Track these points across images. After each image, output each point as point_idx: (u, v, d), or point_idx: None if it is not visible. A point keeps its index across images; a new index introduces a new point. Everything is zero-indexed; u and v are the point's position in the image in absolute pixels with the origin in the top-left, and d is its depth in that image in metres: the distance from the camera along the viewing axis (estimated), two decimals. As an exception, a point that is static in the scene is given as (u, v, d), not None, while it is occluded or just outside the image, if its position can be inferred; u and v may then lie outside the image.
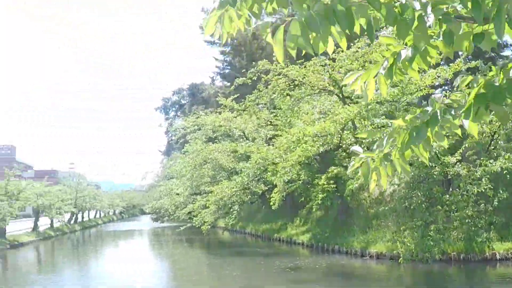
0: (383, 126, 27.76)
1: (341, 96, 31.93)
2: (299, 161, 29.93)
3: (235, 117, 45.12)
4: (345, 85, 30.87)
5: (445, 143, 3.74)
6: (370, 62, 26.29)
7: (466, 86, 3.70)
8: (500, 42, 33.04)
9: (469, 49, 3.52)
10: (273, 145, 34.92)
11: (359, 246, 28.16)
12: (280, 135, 33.38)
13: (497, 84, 3.32)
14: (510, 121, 20.43)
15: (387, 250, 25.86)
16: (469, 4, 3.11)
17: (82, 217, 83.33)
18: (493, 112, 3.41)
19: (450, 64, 28.25)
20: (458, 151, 24.33)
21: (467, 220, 23.12)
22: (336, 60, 30.24)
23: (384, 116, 29.50)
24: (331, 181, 29.35)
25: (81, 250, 46.70)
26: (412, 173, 24.24)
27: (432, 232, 23.25)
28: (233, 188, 34.55)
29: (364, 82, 3.81)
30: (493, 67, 3.55)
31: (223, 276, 25.82)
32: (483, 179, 22.81)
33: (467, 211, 22.88)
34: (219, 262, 31.81)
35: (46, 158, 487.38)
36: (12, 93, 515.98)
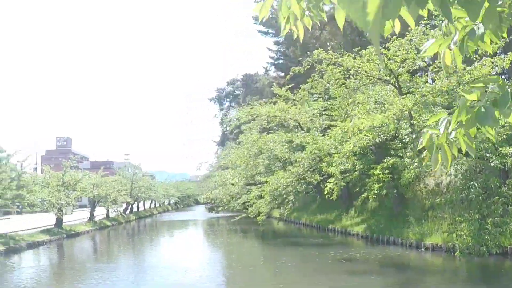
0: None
1: (397, 86, 31.48)
2: (354, 151, 29.68)
3: (290, 107, 44.94)
4: (401, 74, 30.68)
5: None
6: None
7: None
8: None
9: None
10: (328, 135, 34.71)
11: (415, 237, 27.75)
12: (336, 126, 33.13)
13: None
14: None
15: (443, 242, 25.43)
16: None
17: (138, 207, 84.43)
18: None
19: (508, 53, 27.51)
20: (516, 142, 23.75)
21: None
22: (391, 49, 29.79)
23: (440, 107, 28.93)
24: (387, 171, 28.95)
25: (137, 240, 47.32)
26: (468, 164, 23.78)
27: (488, 225, 22.79)
28: (288, 178, 34.39)
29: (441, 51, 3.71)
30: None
31: (278, 266, 25.76)
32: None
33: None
34: (274, 252, 31.79)
35: (101, 149, 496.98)
36: (68, 87, 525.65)
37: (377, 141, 29.53)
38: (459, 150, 3.82)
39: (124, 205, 70.58)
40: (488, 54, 24.49)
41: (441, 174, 29.67)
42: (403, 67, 30.37)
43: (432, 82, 29.47)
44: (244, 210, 44.70)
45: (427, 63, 32.32)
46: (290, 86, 45.94)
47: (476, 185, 23.76)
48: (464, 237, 23.01)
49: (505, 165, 23.18)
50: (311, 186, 40.65)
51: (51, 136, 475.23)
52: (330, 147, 32.27)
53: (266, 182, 36.69)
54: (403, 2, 2.67)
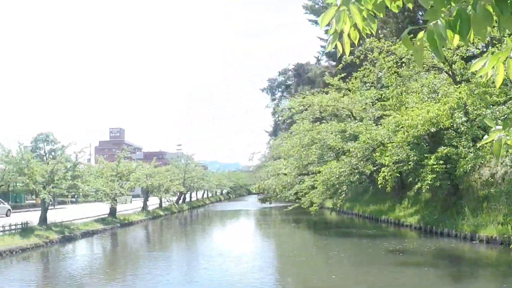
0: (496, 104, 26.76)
1: (451, 74, 30.88)
2: (408, 141, 29.22)
3: (342, 97, 44.57)
4: (455, 62, 30.06)
5: None
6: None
7: None
8: None
9: None
10: (381, 124, 34.29)
11: (469, 229, 27.16)
12: (389, 115, 32.70)
13: None
14: None
15: (498, 234, 24.81)
16: None
17: (190, 197, 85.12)
18: None
19: None
20: None
21: None
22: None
23: (495, 96, 28.25)
24: (441, 162, 28.38)
25: (189, 229, 47.70)
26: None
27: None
28: (341, 168, 34.08)
29: (493, 67, 3.54)
30: None
31: (331, 257, 25.66)
32: None
33: None
34: (327, 243, 31.67)
35: (153, 140, 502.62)
36: (121, 78, 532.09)
37: (431, 130, 28.99)
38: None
39: (177, 195, 71.26)
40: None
41: (496, 164, 29.00)
42: (457, 54, 29.80)
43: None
44: (296, 200, 44.57)
45: (481, 50, 31.67)
46: (342, 75, 45.54)
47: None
48: (520, 229, 22.48)
49: None
50: (364, 176, 40.27)
51: (105, 127, 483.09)
52: (383, 136, 31.85)
53: (319, 172, 36.45)
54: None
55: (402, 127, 28.78)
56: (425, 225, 32.55)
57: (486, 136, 3.86)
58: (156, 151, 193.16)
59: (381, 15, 3.59)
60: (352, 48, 3.98)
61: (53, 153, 79.63)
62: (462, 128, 27.66)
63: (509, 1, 3.04)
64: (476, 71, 3.65)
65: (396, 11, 3.62)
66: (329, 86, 47.72)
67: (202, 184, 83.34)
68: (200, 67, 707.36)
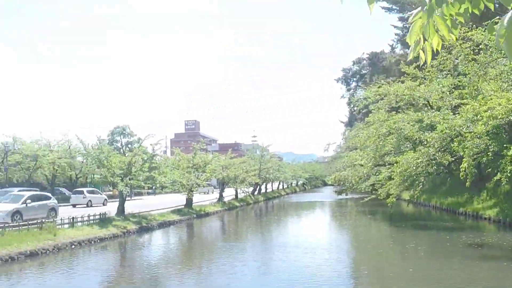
0: None
1: (533, 61, 29.69)
2: (486, 130, 28.24)
3: (418, 86, 43.55)
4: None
5: None
6: None
7: None
8: None
9: None
10: (459, 113, 33.32)
11: (553, 223, 26.17)
12: (466, 104, 31.74)
13: None
14: None
15: None
16: None
17: (266, 188, 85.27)
18: None
19: None
20: None
21: None
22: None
23: None
24: (522, 152, 27.26)
25: (265, 220, 47.78)
26: None
27: None
28: (418, 159, 33.30)
29: None
30: None
31: (407, 250, 25.28)
32: None
33: None
34: (403, 235, 31.15)
35: (228, 132, 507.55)
36: (194, 72, 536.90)
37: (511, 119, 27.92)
38: None
39: (253, 186, 71.55)
40: None
41: None
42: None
43: None
44: (373, 192, 44.04)
45: None
46: (417, 63, 44.54)
47: None
48: None
49: None
50: (441, 167, 39.24)
51: (180, 119, 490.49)
52: (461, 126, 30.91)
53: (396, 162, 35.75)
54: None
55: (481, 116, 27.85)
56: (504, 218, 31.57)
57: None
58: (231, 143, 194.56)
59: (462, 21, 3.51)
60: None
61: (129, 146, 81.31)
62: None
63: None
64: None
65: (478, 14, 3.48)
66: (405, 75, 46.75)
67: (278, 175, 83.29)
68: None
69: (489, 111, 26.79)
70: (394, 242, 28.97)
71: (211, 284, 18.26)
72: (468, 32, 31.53)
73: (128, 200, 41.64)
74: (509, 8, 3.05)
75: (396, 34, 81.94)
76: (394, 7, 76.00)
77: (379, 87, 46.69)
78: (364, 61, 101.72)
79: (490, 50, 31.12)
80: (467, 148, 28.68)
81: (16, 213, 30.39)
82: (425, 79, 44.17)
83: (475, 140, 28.64)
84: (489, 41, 30.30)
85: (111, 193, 69.87)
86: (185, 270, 21.20)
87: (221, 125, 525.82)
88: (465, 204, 39.99)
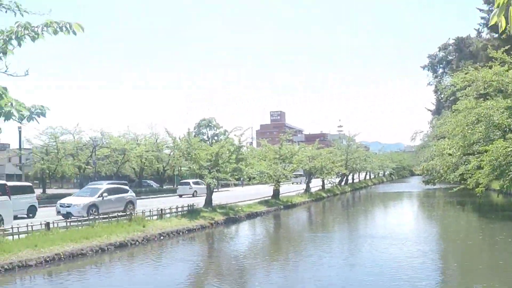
0: None
1: None
2: None
3: (507, 71, 42.12)
4: None
5: None
6: None
7: None
8: None
9: None
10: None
11: None
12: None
13: None
14: None
15: None
16: None
17: (353, 179, 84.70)
18: None
19: None
20: None
21: None
22: None
23: None
24: None
25: (352, 211, 47.48)
26: None
27: None
28: (508, 147, 32.27)
29: None
30: None
31: (497, 242, 24.53)
32: None
33: None
34: (493, 226, 30.41)
35: (313, 122, 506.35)
36: (281, 65, 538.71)
37: None
38: None
39: (339, 177, 71.31)
40: None
41: None
42: None
43: None
44: (461, 182, 42.96)
45: None
46: (506, 47, 43.06)
47: None
48: None
49: None
50: (534, 156, 37.91)
51: (265, 110, 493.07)
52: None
53: (485, 151, 34.75)
54: None
55: None
56: None
57: None
58: (317, 133, 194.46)
59: None
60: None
61: (216, 138, 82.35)
62: None
63: None
64: None
65: None
66: (493, 60, 45.34)
67: (365, 165, 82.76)
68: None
69: None
70: (484, 233, 28.13)
71: (298, 275, 18.27)
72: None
73: (215, 191, 42.24)
74: None
75: (482, 18, 79.45)
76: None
77: (466, 73, 45.44)
78: (450, 47, 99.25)
79: None
80: None
81: (92, 206, 31.16)
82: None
83: None
84: None
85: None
86: (272, 261, 21.29)
87: (306, 115, 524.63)
88: (560, 193, 38.60)
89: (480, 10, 78.02)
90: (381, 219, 38.88)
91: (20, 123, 4.65)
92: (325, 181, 62.74)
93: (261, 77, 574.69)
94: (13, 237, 22.01)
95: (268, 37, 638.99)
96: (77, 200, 31.97)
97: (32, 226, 23.25)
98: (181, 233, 28.12)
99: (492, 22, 3.69)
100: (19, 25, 5.42)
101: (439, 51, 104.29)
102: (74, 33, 5.56)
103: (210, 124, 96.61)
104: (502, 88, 43.42)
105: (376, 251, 22.26)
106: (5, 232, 22.16)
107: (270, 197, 45.68)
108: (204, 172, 35.53)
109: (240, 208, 37.53)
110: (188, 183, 56.31)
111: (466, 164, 42.36)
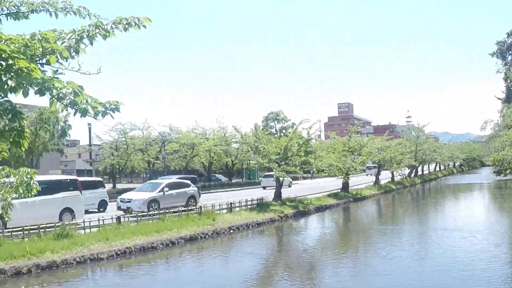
0: None
1: None
2: None
3: None
4: None
5: None
6: None
7: None
8: None
9: None
10: None
11: None
12: None
13: None
14: None
15: None
16: None
17: (422, 170, 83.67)
18: None
19: None
20: None
21: None
22: None
23: None
24: None
25: (422, 203, 46.96)
26: None
27: None
28: None
29: None
30: None
31: None
32: None
33: None
34: None
35: (381, 113, 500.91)
36: (347, 55, 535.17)
37: None
38: None
39: (409, 169, 70.59)
40: None
41: None
42: None
43: None
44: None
45: None
46: None
47: None
48: None
49: None
50: None
51: (333, 102, 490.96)
52: None
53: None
54: None
55: None
56: None
57: None
58: (385, 124, 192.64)
59: None
60: None
61: (284, 131, 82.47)
62: None
63: None
64: None
65: None
66: None
67: (434, 157, 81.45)
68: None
69: None
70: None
71: (368, 269, 18.14)
72: None
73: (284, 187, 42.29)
74: None
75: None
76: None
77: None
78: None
79: None
80: None
81: (152, 201, 31.45)
82: None
83: None
84: None
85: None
86: (342, 254, 21.22)
87: (374, 106, 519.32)
88: None
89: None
90: (452, 211, 38.17)
91: (95, 119, 4.75)
92: (395, 173, 62.14)
93: (329, 69, 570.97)
94: (84, 230, 22.61)
95: (336, 27, 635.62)
96: (138, 195, 32.40)
97: (103, 220, 23.83)
98: (250, 227, 28.32)
99: None
100: (90, 24, 5.54)
101: (507, 37, 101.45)
102: (144, 26, 5.67)
103: (278, 117, 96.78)
104: None
105: (447, 244, 21.97)
106: (77, 226, 22.67)
107: (339, 190, 45.54)
108: (273, 165, 35.64)
109: (309, 201, 37.55)
110: (272, 176, 56.79)
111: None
